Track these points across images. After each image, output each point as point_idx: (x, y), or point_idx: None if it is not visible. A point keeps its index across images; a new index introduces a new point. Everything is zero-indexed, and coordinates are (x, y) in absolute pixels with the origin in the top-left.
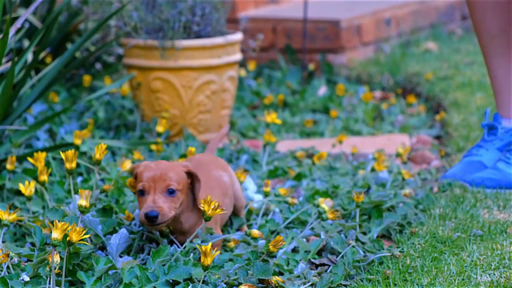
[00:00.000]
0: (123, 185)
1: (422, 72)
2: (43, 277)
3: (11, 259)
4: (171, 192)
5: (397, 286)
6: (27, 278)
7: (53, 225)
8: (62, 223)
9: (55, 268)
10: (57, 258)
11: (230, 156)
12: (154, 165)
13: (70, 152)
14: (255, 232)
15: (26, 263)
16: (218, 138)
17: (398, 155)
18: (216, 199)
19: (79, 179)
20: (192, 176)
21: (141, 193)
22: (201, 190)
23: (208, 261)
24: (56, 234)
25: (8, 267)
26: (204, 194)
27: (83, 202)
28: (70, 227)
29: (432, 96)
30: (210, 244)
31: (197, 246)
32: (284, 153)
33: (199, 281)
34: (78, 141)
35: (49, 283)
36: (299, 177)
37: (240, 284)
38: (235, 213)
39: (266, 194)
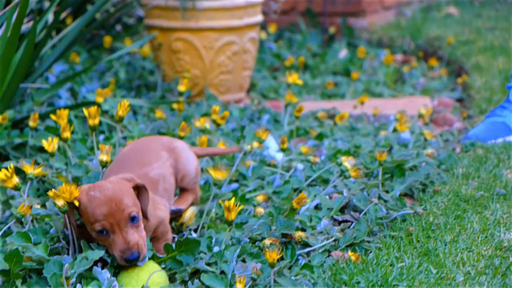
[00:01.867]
0: None
1: (444, 36)
2: (65, 233)
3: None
4: (133, 218)
5: (420, 242)
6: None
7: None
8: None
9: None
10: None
11: (251, 116)
12: (100, 193)
13: (93, 108)
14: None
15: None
16: (217, 151)
17: (420, 116)
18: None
19: (101, 137)
20: (138, 188)
21: (102, 232)
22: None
23: (232, 216)
24: (60, 203)
25: (32, 221)
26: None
27: (104, 157)
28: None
29: (454, 59)
30: (233, 199)
31: (221, 202)
32: (306, 113)
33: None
34: (100, 99)
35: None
36: (320, 137)
37: (263, 239)
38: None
39: (283, 151)
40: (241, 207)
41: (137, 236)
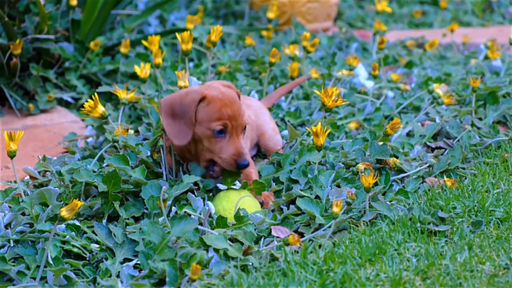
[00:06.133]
0: (235, 69)
1: None
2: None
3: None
4: (244, 128)
5: None
6: None
7: None
8: None
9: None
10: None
11: (339, 44)
12: (221, 95)
13: (186, 33)
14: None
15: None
16: (290, 86)
17: None
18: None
19: (191, 64)
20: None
21: (220, 132)
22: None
23: (320, 141)
24: None
25: (126, 147)
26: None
27: (183, 83)
28: None
29: None
30: (319, 123)
31: (307, 128)
32: (394, 42)
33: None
34: (190, 26)
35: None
36: (410, 65)
37: (357, 164)
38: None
39: (374, 78)
40: (329, 131)
41: (247, 148)
